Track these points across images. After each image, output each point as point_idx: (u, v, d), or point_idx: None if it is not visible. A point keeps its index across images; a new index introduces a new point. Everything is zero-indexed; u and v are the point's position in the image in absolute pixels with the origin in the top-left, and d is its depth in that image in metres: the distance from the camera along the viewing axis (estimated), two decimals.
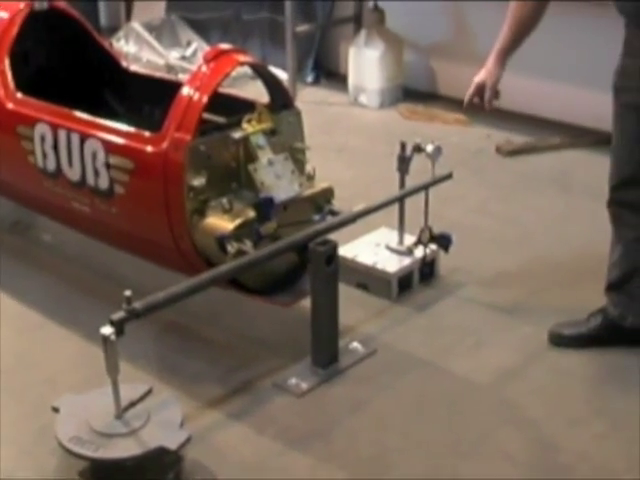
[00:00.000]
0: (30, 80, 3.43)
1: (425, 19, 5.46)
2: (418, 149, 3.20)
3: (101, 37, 3.88)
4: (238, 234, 2.69)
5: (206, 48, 5.73)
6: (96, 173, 2.94)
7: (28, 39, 3.50)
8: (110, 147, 2.89)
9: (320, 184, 2.97)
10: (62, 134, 3.02)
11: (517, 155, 4.63)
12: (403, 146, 3.23)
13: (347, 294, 3.05)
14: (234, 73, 3.46)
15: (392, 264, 3.30)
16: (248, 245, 2.67)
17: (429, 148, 3.17)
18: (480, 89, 2.95)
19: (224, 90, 3.03)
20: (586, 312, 2.99)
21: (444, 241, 3.24)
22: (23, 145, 3.18)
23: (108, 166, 2.89)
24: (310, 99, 5.46)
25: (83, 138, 2.96)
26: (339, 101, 5.53)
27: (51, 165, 3.10)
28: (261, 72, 3.04)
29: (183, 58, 6.09)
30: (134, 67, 3.86)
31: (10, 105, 3.24)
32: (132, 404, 2.37)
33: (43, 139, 3.09)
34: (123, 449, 2.26)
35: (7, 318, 3.16)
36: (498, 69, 2.92)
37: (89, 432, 2.30)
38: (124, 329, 2.23)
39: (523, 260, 3.55)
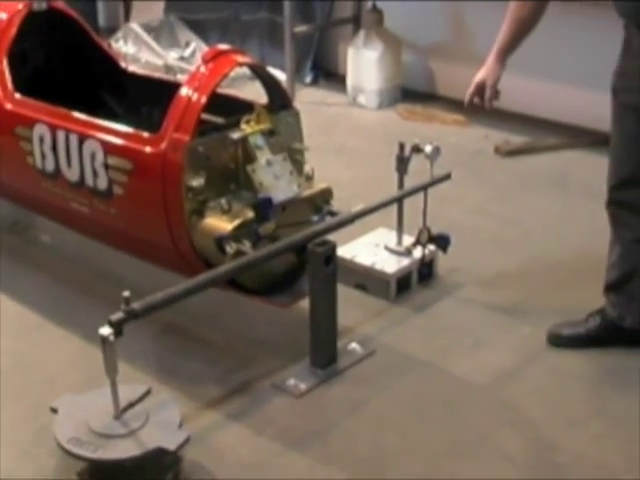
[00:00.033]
0: (29, 81, 3.43)
1: (424, 20, 5.46)
2: (417, 149, 3.20)
3: (100, 38, 3.88)
4: (237, 235, 2.68)
5: (205, 49, 5.73)
6: (95, 174, 2.93)
7: (27, 40, 3.50)
8: (109, 148, 2.89)
9: (319, 185, 2.97)
10: (61, 135, 3.02)
11: (515, 155, 4.64)
12: (402, 146, 3.23)
13: (346, 295, 3.04)
14: (233, 74, 3.46)
15: (391, 265, 3.30)
16: (247, 246, 2.67)
17: (428, 148, 3.17)
18: (480, 88, 2.96)
19: (223, 91, 3.03)
20: (585, 312, 2.99)
21: (443, 242, 3.24)
22: (22, 146, 3.18)
23: (107, 167, 2.89)
24: (309, 100, 5.46)
25: (82, 139, 2.96)
26: (338, 102, 5.53)
27: (50, 166, 3.09)
28: (260, 73, 3.04)
29: (182, 59, 6.08)
30: (133, 68, 3.86)
31: (9, 106, 3.24)
32: (131, 405, 2.37)
33: (42, 140, 3.09)
34: (122, 450, 2.26)
35: (6, 319, 3.16)
36: (498, 68, 2.92)
37: (88, 433, 2.30)
38: (123, 330, 2.23)
39: (522, 260, 3.55)
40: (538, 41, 3.01)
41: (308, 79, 5.86)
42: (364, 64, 5.39)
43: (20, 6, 3.47)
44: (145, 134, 2.84)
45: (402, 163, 3.23)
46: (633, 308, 2.88)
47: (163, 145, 2.76)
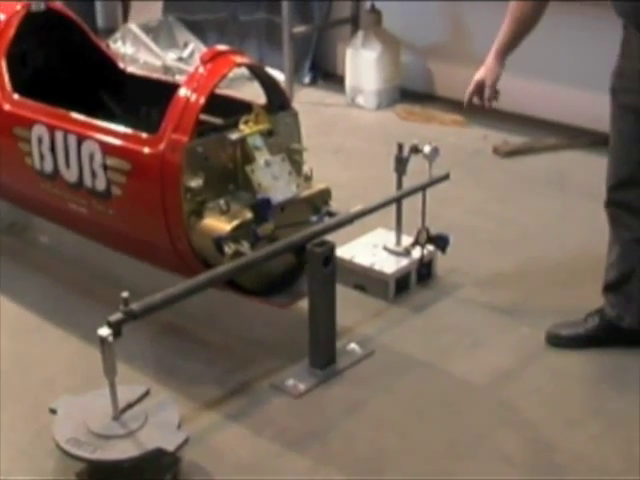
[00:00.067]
0: (27, 81, 3.43)
1: (422, 20, 5.46)
2: (415, 150, 3.20)
3: (98, 38, 3.89)
4: (235, 235, 2.68)
5: (203, 49, 5.73)
6: (93, 174, 2.93)
7: (25, 40, 3.50)
8: (107, 148, 2.89)
9: (317, 185, 2.97)
10: (59, 135, 3.02)
11: (514, 156, 4.64)
12: (400, 147, 3.23)
13: (344, 295, 3.05)
14: (231, 74, 3.45)
15: (389, 265, 3.30)
16: (245, 246, 2.67)
17: (426, 149, 3.18)
18: (480, 87, 2.95)
19: (221, 91, 3.03)
20: (583, 313, 2.99)
21: (441, 242, 3.24)
22: (20, 147, 3.18)
23: (105, 167, 2.89)
24: (307, 100, 5.46)
25: (80, 139, 2.96)
26: (336, 102, 5.53)
27: (48, 167, 3.09)
28: (258, 73, 3.04)
29: (180, 59, 6.08)
30: (131, 68, 3.86)
31: (7, 106, 3.23)
32: (129, 405, 2.37)
33: (40, 140, 3.09)
34: (121, 451, 2.26)
35: (5, 320, 3.16)
36: (497, 67, 2.92)
37: (86, 434, 2.30)
38: (121, 330, 2.23)
39: (520, 261, 3.55)
40: (537, 41, 3.01)
41: (306, 79, 5.86)
42: (363, 64, 5.39)
43: (18, 7, 3.47)
44: (144, 135, 2.84)
45: (401, 163, 3.23)
46: (632, 308, 2.89)
47: (162, 146, 2.76)
